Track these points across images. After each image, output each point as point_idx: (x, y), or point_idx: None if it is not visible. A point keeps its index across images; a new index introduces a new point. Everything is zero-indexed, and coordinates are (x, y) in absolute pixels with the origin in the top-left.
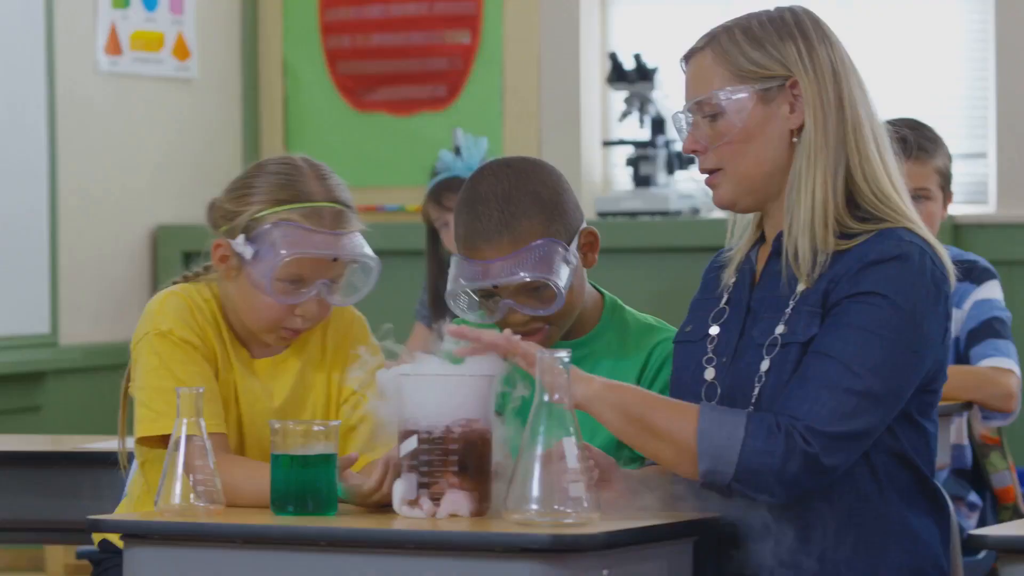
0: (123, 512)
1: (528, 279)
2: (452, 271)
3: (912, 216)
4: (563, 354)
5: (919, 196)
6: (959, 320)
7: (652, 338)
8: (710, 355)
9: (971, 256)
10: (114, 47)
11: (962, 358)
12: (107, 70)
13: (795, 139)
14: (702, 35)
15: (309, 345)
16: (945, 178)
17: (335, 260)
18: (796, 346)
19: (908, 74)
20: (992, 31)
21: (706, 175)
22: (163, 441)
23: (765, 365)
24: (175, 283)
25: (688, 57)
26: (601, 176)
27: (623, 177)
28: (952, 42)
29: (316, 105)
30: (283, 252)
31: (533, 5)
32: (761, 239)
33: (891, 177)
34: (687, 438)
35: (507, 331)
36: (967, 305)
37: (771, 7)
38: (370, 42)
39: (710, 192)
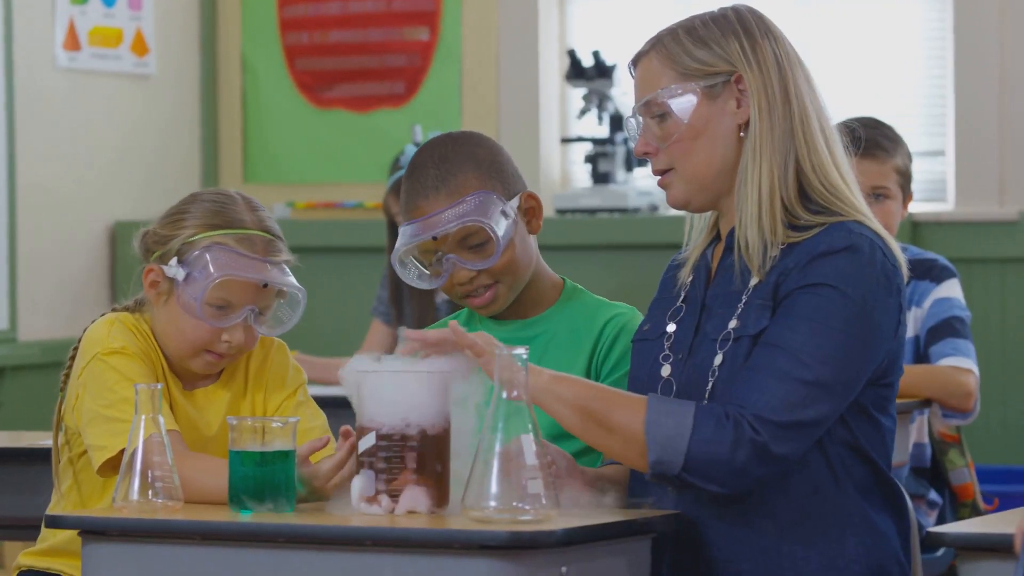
0: (55, 508)
1: (465, 223)
2: (398, 240)
3: (862, 209)
4: (521, 350)
5: (878, 195)
6: (919, 318)
7: (605, 314)
8: (666, 352)
9: (931, 255)
10: (72, 43)
11: (922, 356)
12: (65, 66)
13: (743, 134)
14: (647, 39)
15: (237, 376)
16: (905, 177)
17: (264, 287)
18: (747, 339)
19: (867, 72)
20: (950, 29)
21: (659, 176)
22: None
23: (719, 359)
24: (114, 310)
25: (635, 61)
26: (560, 173)
27: (582, 174)
28: (911, 40)
29: (275, 102)
30: (214, 273)
31: (492, 2)
32: (716, 238)
33: (840, 170)
34: (636, 430)
35: (453, 323)
36: (927, 303)
37: (715, 7)
38: (329, 38)
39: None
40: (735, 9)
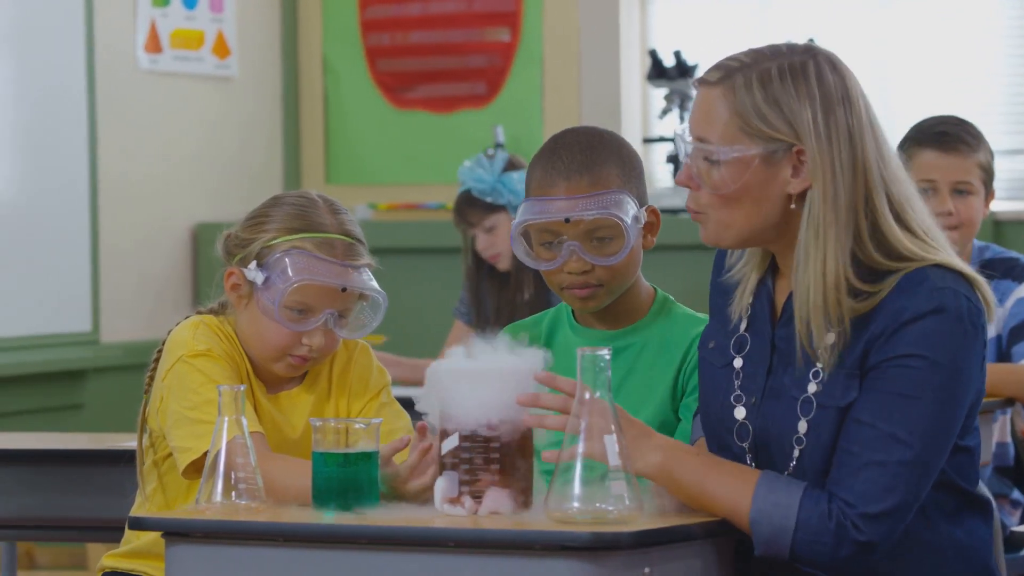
0: (139, 510)
1: (604, 215)
2: (520, 214)
3: (933, 249)
4: (604, 351)
5: (961, 190)
6: (1000, 318)
7: (693, 329)
8: (738, 391)
9: (1012, 254)
10: (154, 45)
11: (1004, 355)
12: (147, 68)
13: (792, 205)
14: (719, 64)
15: (320, 379)
16: (987, 173)
17: (344, 291)
18: (834, 410)
19: (947, 71)
20: None
21: (690, 210)
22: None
23: (803, 427)
24: (199, 312)
25: (701, 84)
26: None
27: (664, 174)
28: (991, 38)
29: (356, 103)
30: (292, 278)
31: (572, 2)
32: (773, 265)
33: (909, 226)
34: (740, 523)
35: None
36: (1009, 303)
37: (793, 48)
38: (410, 39)
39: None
40: (816, 62)
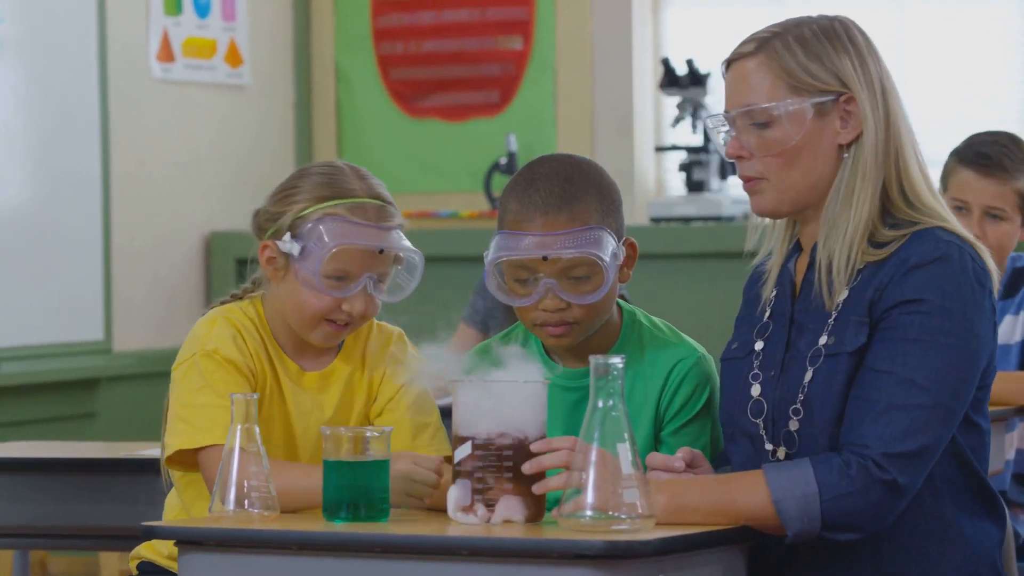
0: (171, 507)
1: (584, 254)
2: (495, 248)
3: (944, 214)
4: (617, 360)
5: (993, 215)
6: None
7: (670, 356)
8: (756, 371)
9: None
10: (166, 54)
11: None
12: (160, 77)
13: (845, 154)
14: (748, 39)
15: (354, 355)
16: None
17: (380, 253)
18: (845, 356)
19: (962, 77)
20: None
21: (746, 181)
22: (194, 457)
23: (808, 376)
24: (222, 303)
25: (734, 60)
26: (654, 181)
27: (676, 182)
28: (1005, 43)
29: (369, 111)
30: (329, 244)
31: (585, 11)
32: (796, 247)
33: (928, 183)
34: (767, 513)
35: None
36: None
37: (815, 16)
38: (423, 48)
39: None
40: (841, 22)
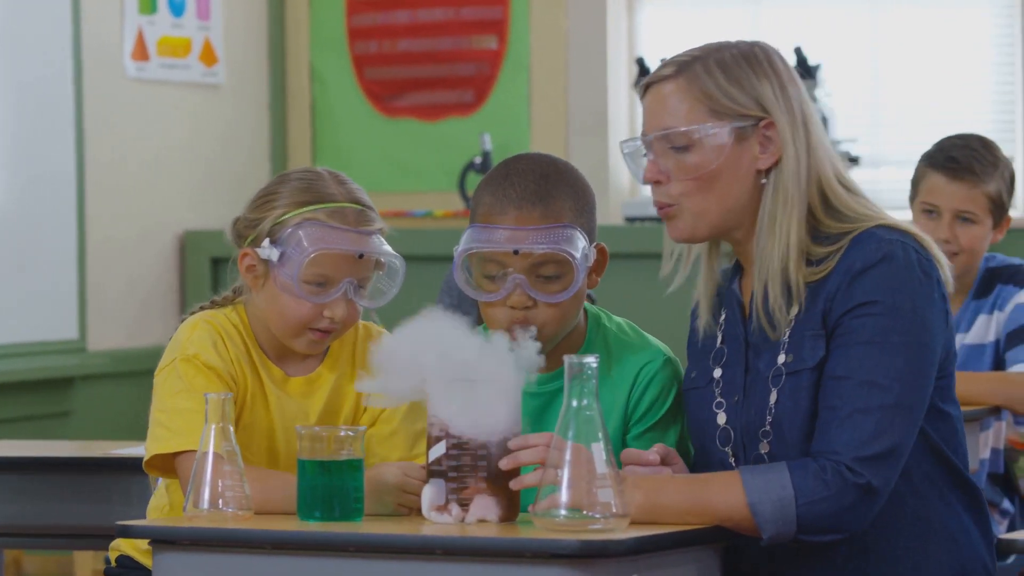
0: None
1: (556, 250)
2: (465, 240)
3: (877, 212)
4: (591, 359)
5: (964, 218)
6: (1000, 322)
7: (636, 360)
8: (719, 399)
9: (1017, 261)
10: (141, 53)
11: (1000, 360)
12: (134, 76)
13: (763, 180)
14: (667, 62)
15: (340, 360)
16: (996, 203)
17: (360, 257)
18: (807, 372)
19: (937, 78)
20: (1020, 35)
21: (661, 207)
22: (173, 462)
23: (773, 397)
24: (202, 308)
25: (652, 83)
26: (628, 181)
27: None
28: (980, 45)
29: (344, 111)
30: (308, 249)
31: (560, 10)
32: (737, 268)
33: (853, 194)
34: (743, 514)
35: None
36: (1009, 307)
37: (736, 41)
38: (397, 47)
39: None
40: (762, 48)
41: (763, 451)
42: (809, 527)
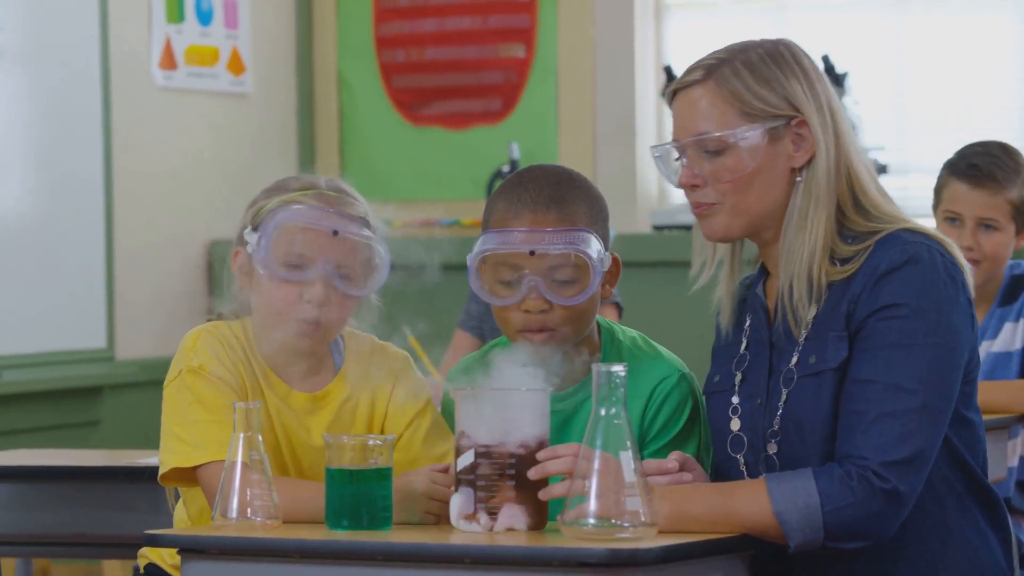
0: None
1: (572, 250)
2: (480, 244)
3: (906, 216)
4: (619, 368)
5: (987, 225)
6: None
7: (651, 375)
8: (735, 405)
9: None
10: (169, 62)
11: None
12: (162, 85)
13: (798, 178)
14: (694, 66)
15: (351, 379)
16: (1018, 210)
17: (335, 235)
18: (829, 373)
19: (963, 86)
20: None
21: (698, 207)
22: (192, 475)
23: (782, 397)
24: (209, 320)
25: (681, 88)
26: (656, 189)
27: (678, 191)
28: (1006, 53)
29: (371, 119)
30: (280, 223)
31: (588, 18)
32: (762, 271)
33: (882, 192)
34: (769, 523)
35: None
36: None
37: (760, 40)
38: (425, 56)
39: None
40: (787, 46)
41: (771, 451)
42: (836, 534)
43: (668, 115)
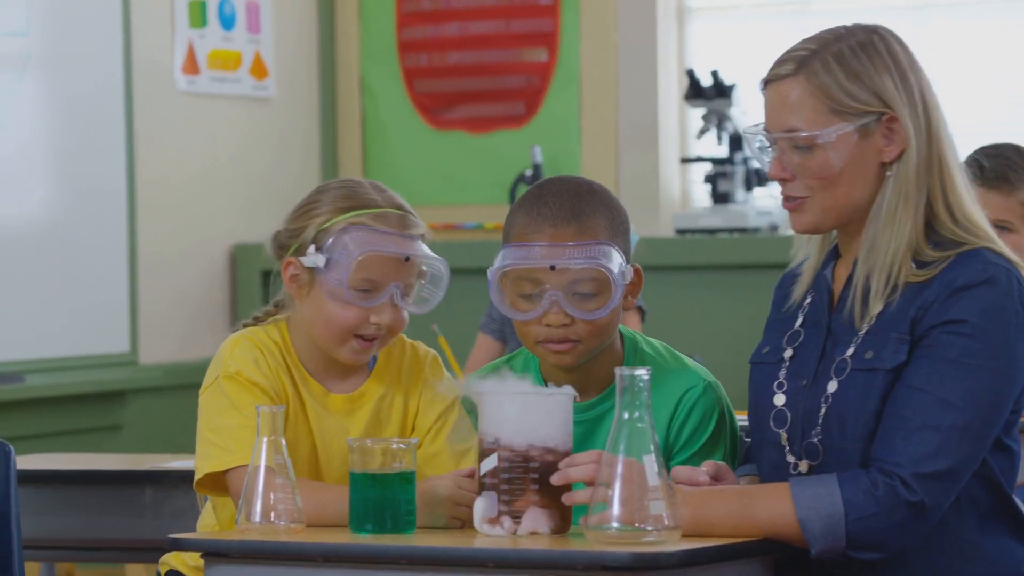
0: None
1: (593, 265)
2: (500, 259)
3: (992, 235)
4: (643, 371)
5: (1001, 227)
6: None
7: (676, 386)
8: (781, 380)
9: None
10: (191, 66)
11: None
12: (185, 89)
13: (888, 172)
14: (785, 57)
15: (385, 379)
16: None
17: (407, 261)
18: (883, 372)
19: (987, 87)
20: None
21: (788, 200)
22: (224, 480)
23: (832, 387)
24: (245, 325)
25: (773, 80)
26: (679, 193)
27: (701, 194)
28: None
29: (394, 123)
30: (356, 252)
31: (610, 22)
32: (834, 253)
33: (972, 197)
34: (792, 530)
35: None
36: None
37: (853, 28)
38: (447, 60)
39: (788, 214)
40: (881, 36)
41: (815, 439)
42: (858, 543)
43: (690, 119)
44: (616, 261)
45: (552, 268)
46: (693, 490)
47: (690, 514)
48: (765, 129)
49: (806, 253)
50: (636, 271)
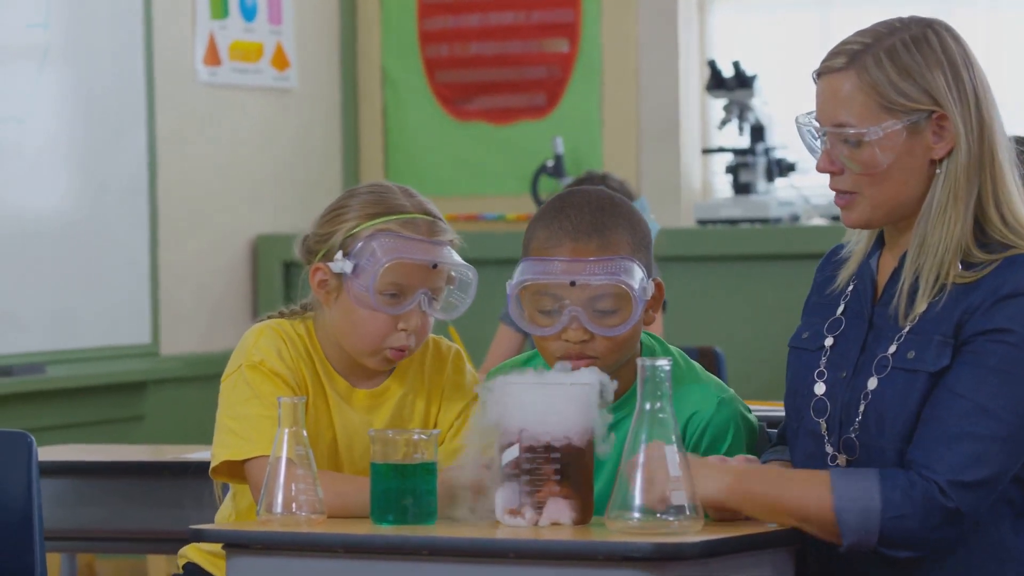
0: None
1: (614, 281)
2: (520, 272)
3: None
4: (664, 362)
5: None
6: None
7: (688, 403)
8: (822, 368)
9: None
10: (213, 58)
11: None
12: (206, 81)
13: (938, 170)
14: (838, 50)
15: (408, 374)
16: None
17: (435, 267)
18: (925, 375)
19: (1017, 82)
20: None
21: (838, 194)
22: (240, 469)
23: (872, 383)
24: (270, 317)
25: (824, 73)
26: (700, 184)
27: (723, 185)
28: None
29: (415, 114)
30: (384, 259)
31: (631, 13)
32: (880, 242)
33: (1019, 187)
34: (827, 518)
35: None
36: None
37: (908, 22)
38: (469, 51)
39: (840, 210)
40: (934, 30)
41: (852, 434)
42: (890, 541)
43: (712, 109)
44: (638, 277)
45: (572, 284)
46: (736, 462)
47: (732, 481)
48: (816, 118)
49: (859, 239)
50: (658, 285)
